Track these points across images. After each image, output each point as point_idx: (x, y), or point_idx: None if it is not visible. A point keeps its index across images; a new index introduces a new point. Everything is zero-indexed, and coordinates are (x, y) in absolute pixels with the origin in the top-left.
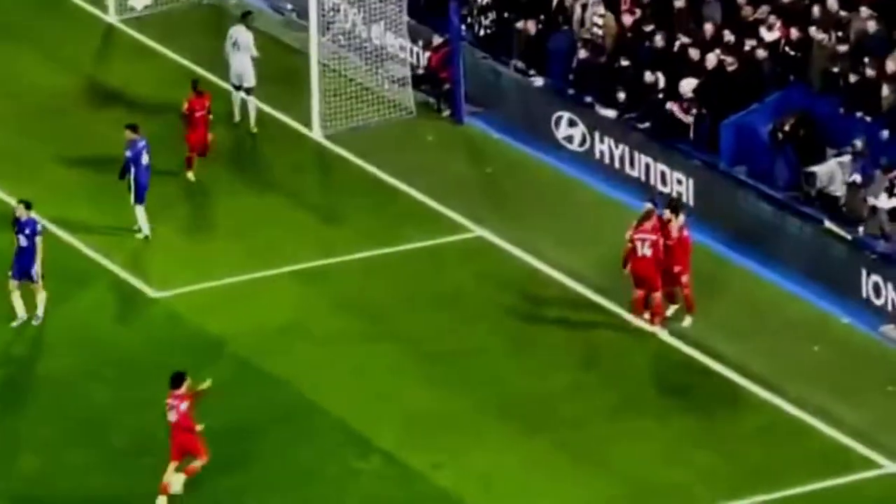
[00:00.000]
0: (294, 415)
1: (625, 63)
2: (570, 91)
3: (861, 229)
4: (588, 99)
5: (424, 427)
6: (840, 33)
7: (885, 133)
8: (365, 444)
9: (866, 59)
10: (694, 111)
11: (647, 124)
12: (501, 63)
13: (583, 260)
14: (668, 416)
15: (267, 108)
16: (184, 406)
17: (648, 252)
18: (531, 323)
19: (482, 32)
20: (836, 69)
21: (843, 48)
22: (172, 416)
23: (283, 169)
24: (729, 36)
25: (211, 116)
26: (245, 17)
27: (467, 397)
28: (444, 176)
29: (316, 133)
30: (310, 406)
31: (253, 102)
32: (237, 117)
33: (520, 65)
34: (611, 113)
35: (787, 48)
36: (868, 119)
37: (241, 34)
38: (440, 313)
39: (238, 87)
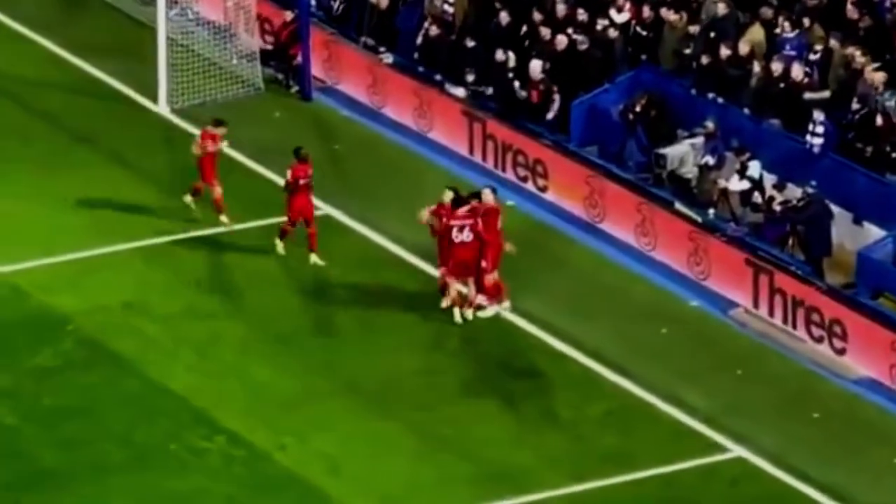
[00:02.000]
0: (138, 394)
1: (471, 43)
2: (420, 68)
3: (711, 212)
4: (437, 77)
5: (270, 408)
6: (690, 14)
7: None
8: (210, 424)
9: (719, 40)
10: (554, 95)
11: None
12: (351, 39)
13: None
14: (516, 398)
15: (114, 83)
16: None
17: (469, 238)
18: (378, 303)
19: (337, 8)
20: (687, 50)
21: (694, 29)
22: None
23: (130, 143)
24: (582, 15)
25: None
26: None
27: (314, 378)
28: (291, 153)
29: (162, 107)
30: (154, 386)
31: None
32: None
33: (370, 41)
34: (460, 92)
35: (638, 28)
36: (720, 100)
37: None
38: (286, 292)
39: None
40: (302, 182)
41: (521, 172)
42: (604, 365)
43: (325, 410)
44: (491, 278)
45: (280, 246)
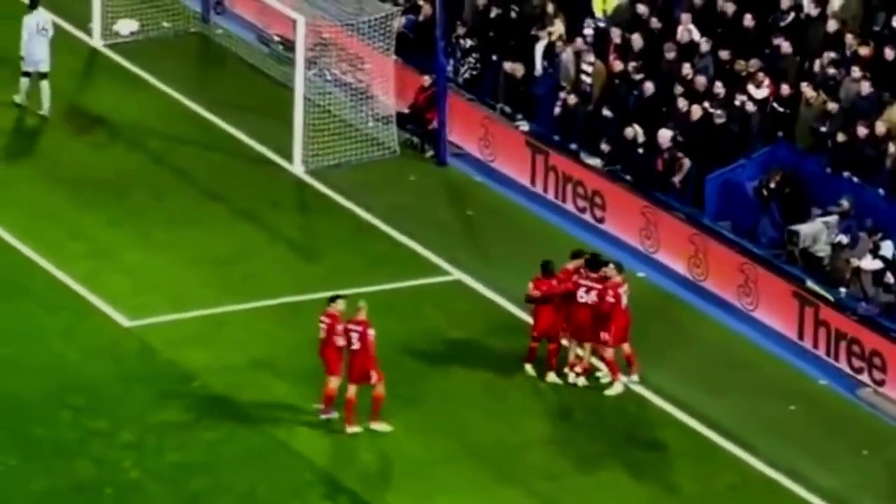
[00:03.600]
0: (262, 452)
1: (607, 113)
2: (556, 137)
3: (843, 291)
4: (573, 146)
5: (394, 470)
6: (829, 92)
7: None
8: (332, 484)
9: (856, 119)
10: (682, 161)
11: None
12: (487, 106)
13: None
14: (641, 470)
15: (250, 141)
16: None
17: (592, 300)
18: (505, 369)
19: (467, 74)
20: (823, 128)
21: (832, 106)
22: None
23: (263, 202)
24: (720, 89)
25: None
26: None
27: (438, 442)
28: (424, 217)
29: (297, 168)
30: (278, 444)
31: (47, 88)
32: (22, 101)
33: (506, 108)
34: (596, 162)
35: (775, 104)
36: (855, 179)
37: (45, 19)
38: (415, 356)
39: (28, 74)
40: (544, 294)
41: (649, 244)
42: (729, 440)
43: (449, 475)
44: (611, 353)
45: (529, 368)
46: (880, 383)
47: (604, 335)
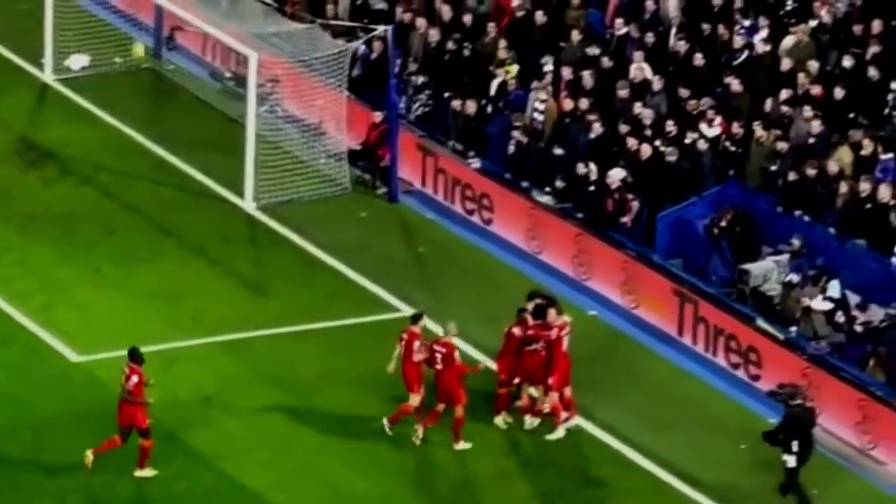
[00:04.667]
0: (213, 489)
1: (559, 151)
2: (507, 175)
3: (794, 329)
4: (524, 184)
5: None
6: (780, 131)
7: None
8: None
9: (806, 158)
10: (631, 203)
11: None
12: (438, 142)
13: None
14: None
15: (201, 177)
16: None
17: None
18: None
19: (419, 111)
20: (773, 167)
21: (782, 146)
22: None
23: (214, 237)
24: (671, 127)
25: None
26: None
27: (388, 480)
28: (375, 253)
29: (248, 203)
30: (229, 481)
31: None
32: None
33: (458, 146)
34: (548, 199)
35: (727, 143)
36: (806, 218)
37: None
38: (367, 392)
39: None
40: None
41: (603, 283)
42: (676, 476)
43: None
44: (555, 397)
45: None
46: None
47: (549, 380)
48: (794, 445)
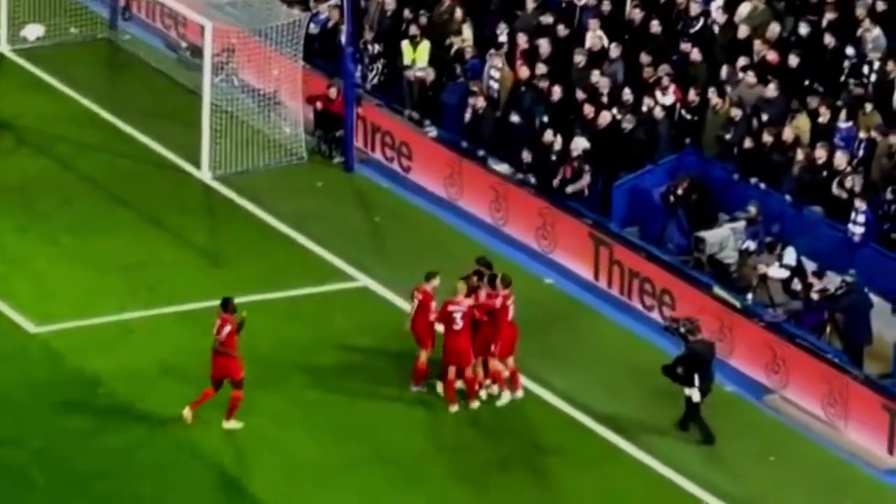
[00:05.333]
0: (170, 459)
1: (515, 119)
2: (464, 143)
3: (750, 297)
4: (480, 153)
5: (303, 476)
6: (736, 98)
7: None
8: (240, 491)
9: (763, 126)
10: (585, 174)
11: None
12: (395, 112)
13: None
14: (545, 474)
15: (158, 147)
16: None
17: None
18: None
19: (375, 80)
20: (728, 135)
21: (737, 113)
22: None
23: (171, 208)
24: (627, 95)
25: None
26: None
27: (347, 448)
28: (331, 223)
29: (205, 174)
30: (186, 450)
31: None
32: None
33: (414, 115)
34: (503, 168)
35: (683, 111)
36: (762, 186)
37: None
38: (323, 362)
39: None
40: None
41: (551, 247)
42: (632, 443)
43: (358, 481)
44: (498, 365)
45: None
46: None
47: (492, 347)
48: (696, 379)
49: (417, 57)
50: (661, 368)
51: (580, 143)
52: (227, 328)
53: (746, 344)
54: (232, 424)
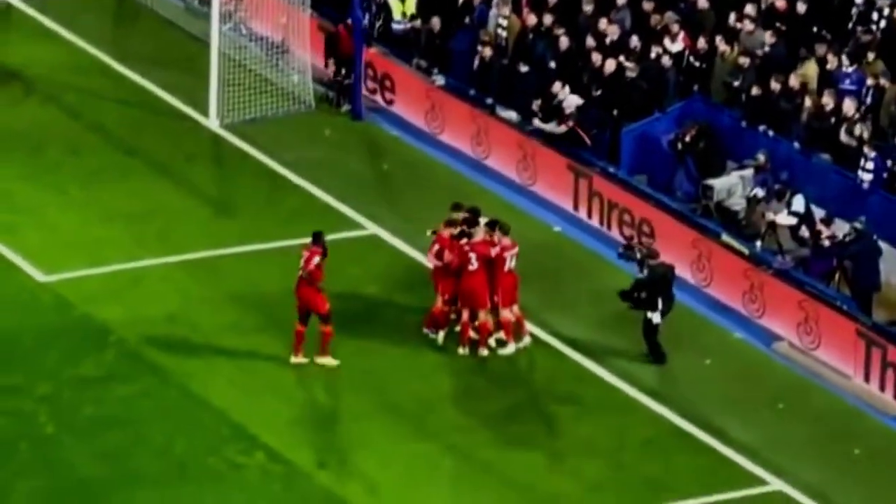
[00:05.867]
0: (178, 407)
1: (524, 68)
2: (472, 91)
3: (759, 244)
4: (489, 100)
5: (311, 425)
6: (743, 46)
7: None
8: (249, 439)
9: (769, 73)
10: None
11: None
12: (403, 61)
13: None
14: (556, 423)
15: (166, 96)
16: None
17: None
18: (421, 325)
19: (382, 28)
20: (737, 83)
21: (745, 60)
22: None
23: (178, 157)
24: (635, 42)
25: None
26: None
27: (355, 397)
28: (340, 171)
29: (213, 122)
30: (195, 399)
31: None
32: None
33: (422, 63)
34: (512, 115)
35: (691, 58)
36: (770, 133)
37: None
38: (332, 309)
39: None
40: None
41: (573, 201)
42: (645, 393)
43: (365, 430)
44: (508, 314)
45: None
46: None
47: (495, 298)
48: (659, 302)
49: (406, 9)
50: (618, 294)
51: (572, 101)
52: (316, 259)
53: (775, 298)
54: (326, 360)
